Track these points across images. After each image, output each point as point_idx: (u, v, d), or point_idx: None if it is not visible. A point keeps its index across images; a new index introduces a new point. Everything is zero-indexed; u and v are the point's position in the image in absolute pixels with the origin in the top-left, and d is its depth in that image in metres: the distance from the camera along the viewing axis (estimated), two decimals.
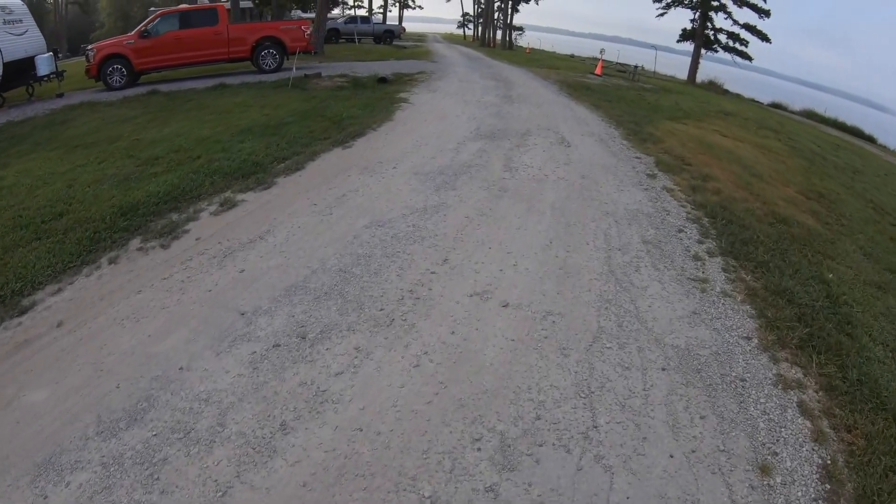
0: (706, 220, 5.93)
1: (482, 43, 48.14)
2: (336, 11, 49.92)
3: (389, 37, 34.28)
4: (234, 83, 14.14)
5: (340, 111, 10.04)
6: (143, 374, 3.45)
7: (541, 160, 7.57)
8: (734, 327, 3.89)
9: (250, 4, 25.94)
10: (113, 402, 3.26)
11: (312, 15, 40.03)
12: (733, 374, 3.42)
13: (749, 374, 3.44)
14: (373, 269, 4.23)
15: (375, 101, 11.19)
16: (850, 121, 31.90)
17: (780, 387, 3.39)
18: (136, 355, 3.64)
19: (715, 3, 38.55)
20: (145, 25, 15.20)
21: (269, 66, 15.81)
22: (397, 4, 56.53)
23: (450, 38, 60.76)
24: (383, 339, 3.42)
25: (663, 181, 7.20)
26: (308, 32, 15.97)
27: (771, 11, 37.52)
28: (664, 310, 3.94)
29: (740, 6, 38.05)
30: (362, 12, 47.06)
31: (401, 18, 58.16)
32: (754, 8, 37.37)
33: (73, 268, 4.86)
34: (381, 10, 47.89)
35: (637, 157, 8.31)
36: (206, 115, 10.26)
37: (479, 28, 53.81)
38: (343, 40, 32.68)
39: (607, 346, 3.45)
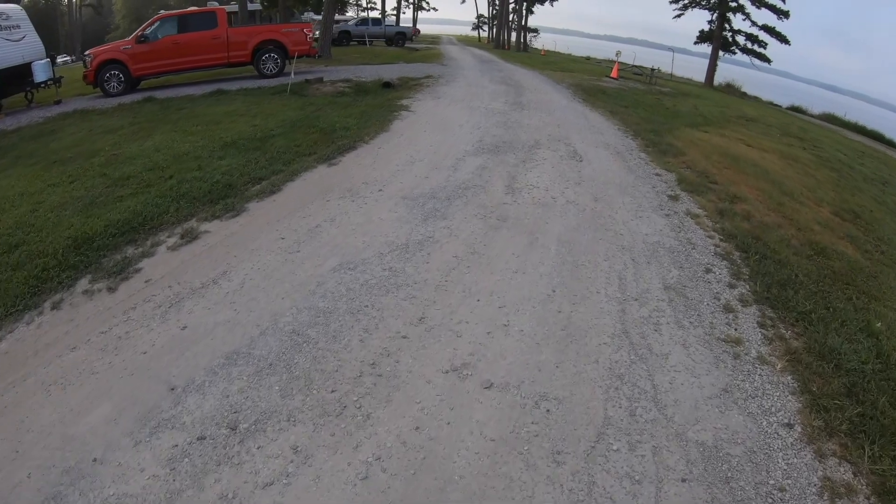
0: (737, 254, 5.14)
1: (496, 45, 47.34)
2: (350, 13, 49.50)
3: (401, 39, 33.63)
4: (232, 89, 13.61)
5: (334, 121, 9.38)
6: (55, 463, 2.86)
7: (549, 179, 6.83)
8: (773, 410, 3.12)
9: (259, 6, 25.42)
10: (21, 496, 2.69)
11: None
12: (771, 481, 2.67)
13: (790, 481, 2.68)
14: (332, 331, 3.52)
15: (374, 108, 10.52)
16: (870, 124, 30.93)
17: (826, 496, 2.64)
18: (53, 436, 3.04)
19: (733, 4, 37.56)
20: (143, 30, 14.77)
21: (271, 70, 15.25)
22: (411, 6, 55.93)
23: (464, 41, 60.03)
24: (329, 435, 2.70)
25: (687, 204, 6.41)
26: (311, 35, 15.37)
27: (790, 12, 36.53)
28: (688, 388, 3.17)
29: (759, 7, 37.07)
30: (376, 14, 46.57)
31: (415, 20, 57.51)
32: (773, 9, 36.43)
33: (15, 312, 4.28)
34: (395, 12, 47.25)
35: (657, 174, 7.52)
36: (193, 125, 9.67)
37: (494, 30, 53.00)
38: (355, 42, 32.15)
39: (614, 446, 2.70)
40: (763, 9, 36.81)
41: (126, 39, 15.50)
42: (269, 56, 15.17)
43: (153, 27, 14.76)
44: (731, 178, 7.96)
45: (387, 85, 13.82)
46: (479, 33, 66.77)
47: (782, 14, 36.43)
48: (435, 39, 51.92)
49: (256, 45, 15.03)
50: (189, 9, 15.72)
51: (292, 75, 12.81)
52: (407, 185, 6.37)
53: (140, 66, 14.52)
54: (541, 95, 13.96)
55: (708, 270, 4.73)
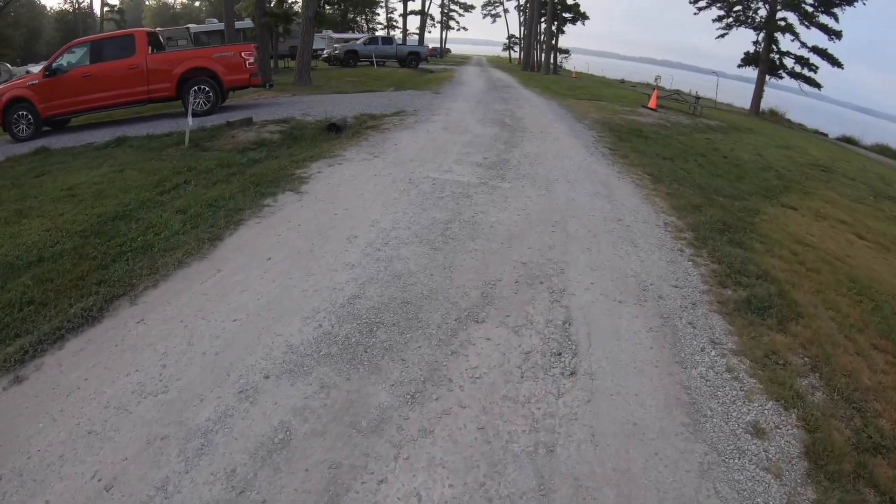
0: None
1: (524, 67, 42.35)
2: (381, 32, 45.35)
3: (415, 60, 28.87)
4: (138, 135, 9.41)
5: (156, 221, 4.94)
6: None
7: None
8: None
9: (249, 24, 20.97)
10: None
11: (345, 35, 35.41)
12: None
13: None
14: None
15: (253, 185, 5.96)
16: None
17: None
18: None
19: (781, 24, 31.73)
20: (53, 59, 10.78)
21: (201, 107, 10.93)
22: (438, 25, 51.34)
23: (495, 61, 55.19)
24: None
25: None
26: (251, 61, 11.00)
27: (843, 33, 30.70)
28: None
29: (808, 27, 31.25)
30: (398, 33, 42.17)
31: (442, 40, 53.00)
32: (824, 29, 30.70)
33: None
34: (418, 32, 42.76)
35: (757, 433, 2.71)
36: None
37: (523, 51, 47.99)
38: (367, 62, 27.81)
39: None
40: (813, 28, 31.13)
41: (34, 73, 11.65)
42: (199, 89, 10.89)
43: (64, 56, 10.77)
44: None
45: (333, 128, 9.34)
46: (509, 54, 61.54)
47: (834, 34, 30.70)
48: (463, 60, 47.25)
49: (182, 75, 10.78)
50: (104, 33, 11.71)
51: (190, 122, 8.44)
52: None
53: (48, 106, 10.49)
54: (545, 145, 9.12)
55: None
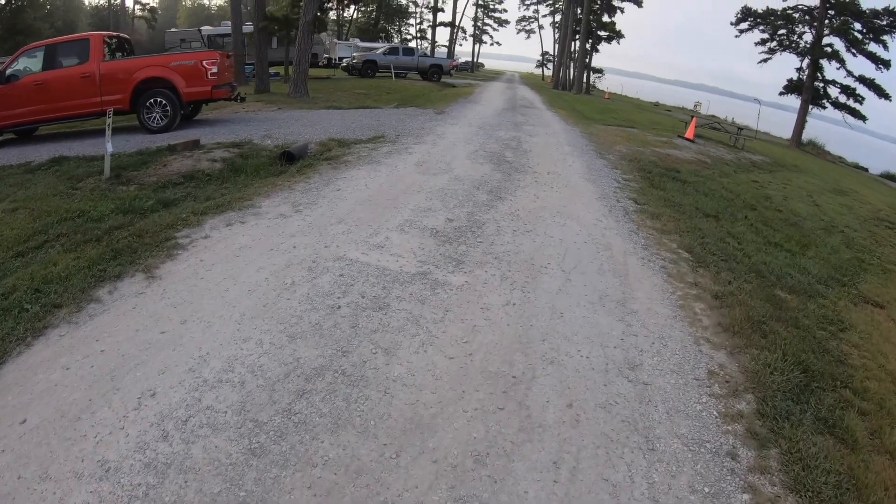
0: None
1: (556, 85, 39.74)
2: (412, 43, 43.44)
3: (437, 72, 26.61)
4: (73, 155, 7.69)
5: None
6: None
7: None
8: None
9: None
10: None
11: (372, 44, 33.44)
12: None
13: None
14: None
15: (109, 253, 3.93)
16: None
17: None
18: None
19: (828, 50, 28.56)
20: (7, 65, 9.14)
21: (157, 122, 9.11)
22: (470, 39, 48.97)
23: (527, 78, 52.62)
24: None
25: None
26: (213, 70, 9.05)
27: (892, 62, 27.56)
28: None
29: (856, 55, 28.08)
30: (428, 45, 40.03)
31: (475, 54, 50.70)
32: (872, 57, 27.53)
33: None
34: (448, 44, 40.57)
35: None
36: None
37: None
38: (389, 73, 25.78)
39: None
40: (860, 56, 27.99)
41: None
42: (156, 101, 9.04)
43: (19, 62, 9.10)
44: None
45: (286, 157, 7.33)
46: (542, 71, 58.68)
47: (882, 64, 27.58)
48: (493, 76, 44.82)
49: (137, 86, 8.96)
50: (59, 37, 10.06)
51: (109, 147, 6.49)
52: None
53: (1, 116, 8.89)
54: (548, 195, 6.80)
55: None
